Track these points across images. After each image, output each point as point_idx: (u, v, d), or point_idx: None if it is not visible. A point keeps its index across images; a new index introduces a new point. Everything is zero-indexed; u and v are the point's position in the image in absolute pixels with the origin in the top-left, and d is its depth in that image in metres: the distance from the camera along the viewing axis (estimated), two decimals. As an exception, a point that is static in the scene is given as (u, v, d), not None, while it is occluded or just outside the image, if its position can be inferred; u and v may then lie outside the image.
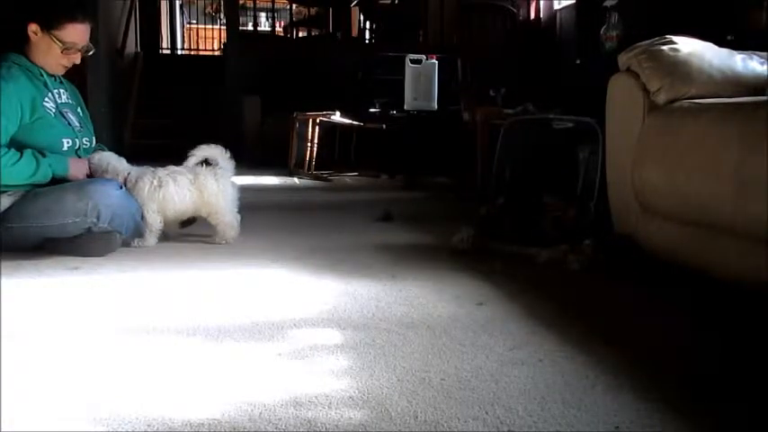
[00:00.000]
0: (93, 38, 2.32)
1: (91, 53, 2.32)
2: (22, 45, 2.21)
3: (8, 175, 2.06)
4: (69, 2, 2.26)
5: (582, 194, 2.79)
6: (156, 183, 2.31)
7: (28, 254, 2.12)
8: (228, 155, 2.43)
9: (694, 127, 1.80)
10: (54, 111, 2.21)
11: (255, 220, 2.95)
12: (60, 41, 2.20)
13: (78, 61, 2.29)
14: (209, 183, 2.35)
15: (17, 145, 2.11)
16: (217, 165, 2.40)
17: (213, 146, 2.42)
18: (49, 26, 2.19)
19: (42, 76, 2.22)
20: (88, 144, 2.35)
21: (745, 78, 2.00)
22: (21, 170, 2.08)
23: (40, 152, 2.13)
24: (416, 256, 2.22)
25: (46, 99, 2.19)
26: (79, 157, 2.29)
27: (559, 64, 5.42)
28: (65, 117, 2.25)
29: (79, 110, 2.38)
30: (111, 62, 6.44)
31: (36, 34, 2.19)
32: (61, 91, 2.29)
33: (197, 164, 2.40)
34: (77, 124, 2.30)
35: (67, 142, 2.23)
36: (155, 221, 2.31)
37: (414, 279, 1.89)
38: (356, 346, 1.35)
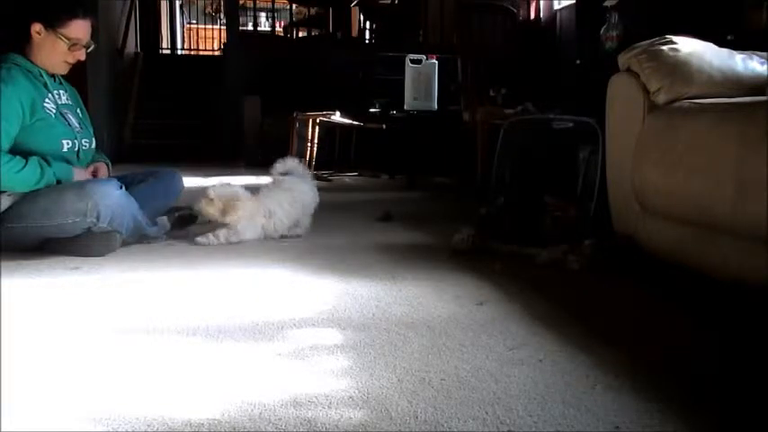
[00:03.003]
0: (94, 35, 2.32)
1: (91, 49, 2.32)
2: (22, 45, 2.21)
3: (13, 181, 2.06)
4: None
5: (582, 194, 2.79)
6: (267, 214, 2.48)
7: (28, 254, 2.12)
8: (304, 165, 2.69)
9: (694, 127, 1.80)
10: (54, 111, 2.21)
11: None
12: (66, 38, 2.20)
13: (83, 57, 2.29)
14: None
15: (17, 146, 2.10)
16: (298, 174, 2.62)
17: (291, 159, 2.65)
18: (53, 24, 2.19)
19: (42, 76, 2.22)
20: (87, 145, 2.34)
21: (746, 78, 2.00)
22: (25, 177, 2.08)
23: (45, 159, 2.13)
24: (416, 256, 2.22)
25: (46, 100, 2.19)
26: (79, 158, 2.29)
27: (559, 64, 5.42)
28: (65, 118, 2.25)
29: (78, 111, 2.37)
30: (111, 62, 6.45)
31: (39, 34, 2.19)
32: (61, 92, 2.29)
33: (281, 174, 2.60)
34: (77, 125, 2.30)
35: (67, 143, 2.23)
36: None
37: (414, 279, 1.90)
38: (356, 346, 1.35)
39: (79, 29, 2.23)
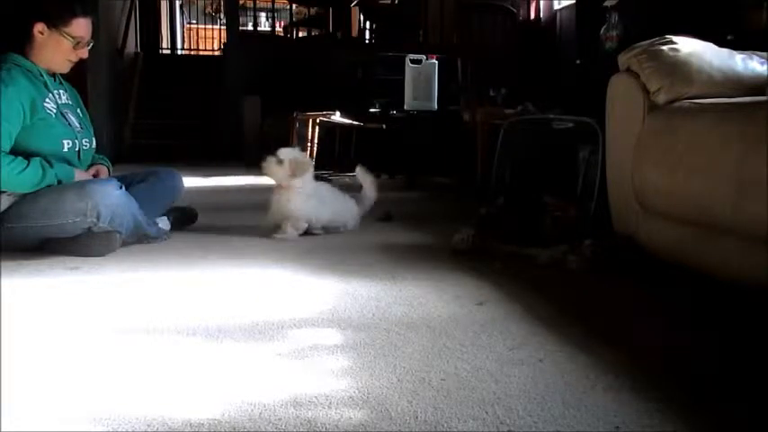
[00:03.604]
0: (94, 34, 2.33)
1: (90, 46, 2.33)
2: (22, 45, 2.21)
3: (14, 182, 2.07)
4: None
5: (582, 194, 2.79)
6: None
7: (28, 254, 2.12)
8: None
9: (694, 127, 1.80)
10: (55, 111, 2.21)
11: (255, 219, 2.95)
12: (72, 37, 2.21)
13: (86, 55, 2.30)
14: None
15: (18, 146, 2.10)
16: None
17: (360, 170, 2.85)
18: (56, 24, 2.19)
19: (42, 76, 2.22)
20: (88, 145, 2.34)
21: (746, 78, 2.00)
22: (27, 178, 2.08)
23: (47, 160, 2.13)
24: (416, 256, 2.22)
25: (47, 100, 2.19)
26: (79, 159, 2.29)
27: (559, 64, 5.43)
28: (65, 118, 2.25)
29: (79, 111, 2.38)
30: (111, 62, 6.45)
31: (42, 34, 2.19)
32: (61, 92, 2.29)
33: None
34: (77, 125, 2.30)
35: (67, 143, 2.23)
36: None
37: (414, 279, 1.89)
38: (356, 346, 1.35)
39: (82, 26, 2.24)
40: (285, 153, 2.53)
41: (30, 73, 2.18)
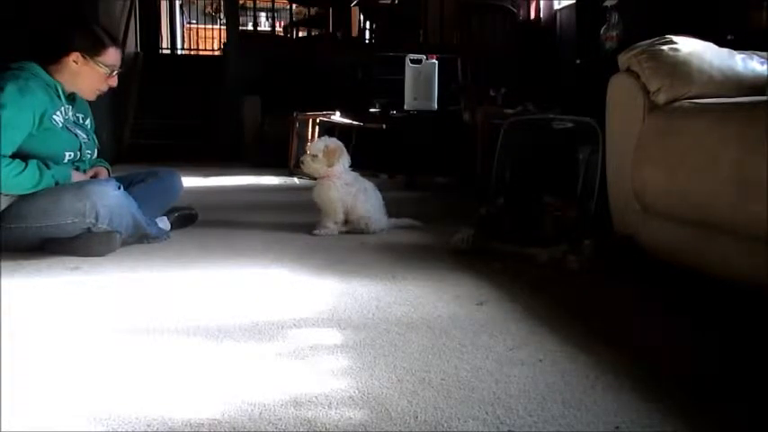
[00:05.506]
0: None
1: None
2: (47, 62, 2.21)
3: (11, 184, 2.06)
4: (103, 30, 2.33)
5: (582, 194, 2.79)
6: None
7: (28, 254, 2.12)
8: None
9: (694, 127, 1.80)
10: (62, 124, 2.21)
11: (255, 219, 2.95)
12: (106, 66, 2.25)
13: (116, 83, 2.34)
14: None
15: (20, 153, 2.10)
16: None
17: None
18: (92, 53, 2.23)
19: (58, 89, 2.22)
20: (89, 156, 2.35)
21: (746, 78, 2.00)
22: (24, 181, 2.08)
23: (45, 163, 2.13)
24: (416, 256, 2.22)
25: (57, 112, 2.19)
26: (79, 169, 2.29)
27: (559, 64, 5.42)
28: (70, 130, 2.25)
29: (87, 122, 2.39)
30: (110, 62, 6.43)
31: (77, 63, 2.22)
32: (71, 107, 2.29)
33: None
34: (84, 136, 2.31)
35: (69, 155, 2.23)
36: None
37: (414, 279, 1.89)
38: (356, 346, 1.35)
39: (114, 55, 2.29)
40: (316, 147, 2.56)
41: (48, 87, 2.18)
